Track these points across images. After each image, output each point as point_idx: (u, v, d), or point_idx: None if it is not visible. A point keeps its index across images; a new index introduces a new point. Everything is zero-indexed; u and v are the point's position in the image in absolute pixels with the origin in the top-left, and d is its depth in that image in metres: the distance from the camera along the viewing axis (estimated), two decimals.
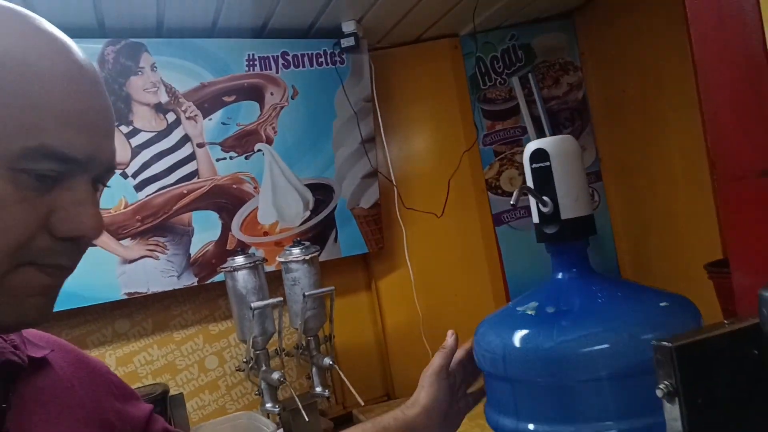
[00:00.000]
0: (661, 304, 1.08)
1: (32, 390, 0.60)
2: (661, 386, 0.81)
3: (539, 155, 1.13)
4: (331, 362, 2.36)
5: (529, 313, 1.13)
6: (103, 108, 0.55)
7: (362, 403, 2.35)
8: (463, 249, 3.15)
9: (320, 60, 2.77)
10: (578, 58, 3.21)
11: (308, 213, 2.86)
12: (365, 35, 2.79)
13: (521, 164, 3.22)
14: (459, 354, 1.28)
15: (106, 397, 0.82)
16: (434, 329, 3.11)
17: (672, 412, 0.83)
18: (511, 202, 1.11)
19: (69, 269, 0.55)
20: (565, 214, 1.13)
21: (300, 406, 2.12)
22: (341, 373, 2.35)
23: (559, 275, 1.18)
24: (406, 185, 3.10)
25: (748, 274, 0.89)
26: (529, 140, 3.16)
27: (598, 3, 3.04)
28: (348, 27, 2.68)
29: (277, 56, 2.72)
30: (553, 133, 3.16)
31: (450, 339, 1.25)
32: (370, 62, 2.87)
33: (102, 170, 0.55)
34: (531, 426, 1.09)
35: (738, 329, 0.84)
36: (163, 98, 2.62)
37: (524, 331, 1.11)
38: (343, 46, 2.73)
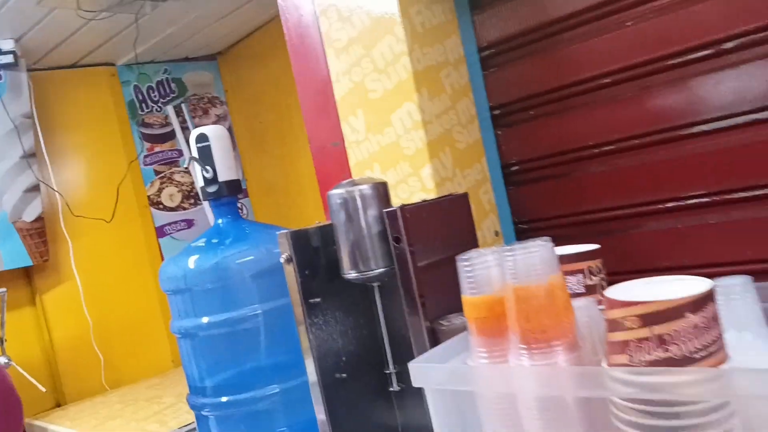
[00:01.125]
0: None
1: None
2: (283, 256, 1.40)
3: (201, 137, 1.66)
4: (7, 360, 2.45)
5: (199, 245, 1.64)
6: None
7: (43, 389, 2.48)
8: (131, 259, 3.44)
9: None
10: (223, 93, 3.85)
11: None
12: (24, 55, 2.94)
13: (180, 182, 3.69)
14: None
15: None
16: (106, 335, 3.32)
17: (289, 272, 1.42)
18: (184, 166, 1.61)
19: None
20: (222, 177, 1.67)
21: None
22: (19, 368, 2.45)
23: (220, 221, 1.71)
24: (73, 197, 3.27)
25: None
26: (185, 162, 3.66)
27: (237, 50, 3.74)
28: (6, 45, 2.81)
29: None
30: None
31: None
32: (29, 80, 3.02)
33: None
34: (205, 319, 1.59)
35: (322, 226, 1.47)
36: None
37: (197, 255, 1.61)
38: (0, 62, 2.84)
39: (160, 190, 3.62)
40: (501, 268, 0.98)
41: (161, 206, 3.61)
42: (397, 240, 1.23)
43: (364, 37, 1.47)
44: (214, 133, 1.68)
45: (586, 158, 1.50)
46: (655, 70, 1.35)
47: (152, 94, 3.60)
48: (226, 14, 3.13)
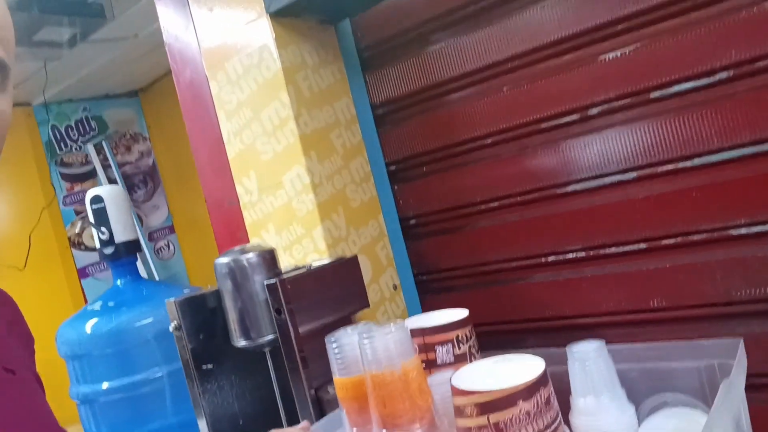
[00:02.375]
0: (185, 291, 1.69)
1: None
2: (172, 324, 1.40)
3: (96, 199, 1.64)
4: None
5: (95, 308, 1.62)
6: None
7: None
8: (52, 302, 3.34)
9: None
10: (146, 130, 3.80)
11: None
12: None
13: None
14: None
15: (22, 348, 0.76)
16: None
17: (179, 341, 1.42)
18: (76, 232, 1.58)
19: None
20: (119, 238, 1.66)
21: None
22: None
23: (118, 281, 1.69)
24: None
25: None
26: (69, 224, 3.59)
27: (159, 86, 3.70)
28: None
29: None
30: (128, 194, 3.65)
31: None
32: None
33: None
34: (105, 384, 1.57)
35: (211, 292, 1.44)
36: None
37: (93, 320, 1.59)
38: None
39: (81, 231, 3.53)
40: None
41: (83, 247, 3.52)
42: (279, 311, 1.24)
43: (253, 101, 1.48)
44: (110, 193, 1.66)
45: (475, 213, 1.55)
46: (530, 132, 1.41)
47: (71, 133, 3.52)
48: (144, 54, 3.10)
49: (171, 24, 1.60)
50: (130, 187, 3.70)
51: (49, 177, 3.42)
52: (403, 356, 0.93)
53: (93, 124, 3.60)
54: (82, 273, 3.51)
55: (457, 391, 0.85)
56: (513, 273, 1.53)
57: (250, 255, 1.33)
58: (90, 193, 1.65)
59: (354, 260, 1.40)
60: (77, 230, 3.53)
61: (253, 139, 1.51)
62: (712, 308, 1.29)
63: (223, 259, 1.33)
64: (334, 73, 1.55)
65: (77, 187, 3.55)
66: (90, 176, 3.59)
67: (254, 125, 1.49)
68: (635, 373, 1.12)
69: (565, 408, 1.03)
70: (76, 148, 3.55)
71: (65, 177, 3.51)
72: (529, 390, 0.81)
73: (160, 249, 3.76)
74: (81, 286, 3.50)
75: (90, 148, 3.53)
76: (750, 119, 1.19)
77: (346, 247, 1.52)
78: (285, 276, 1.26)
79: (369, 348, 0.93)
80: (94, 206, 1.64)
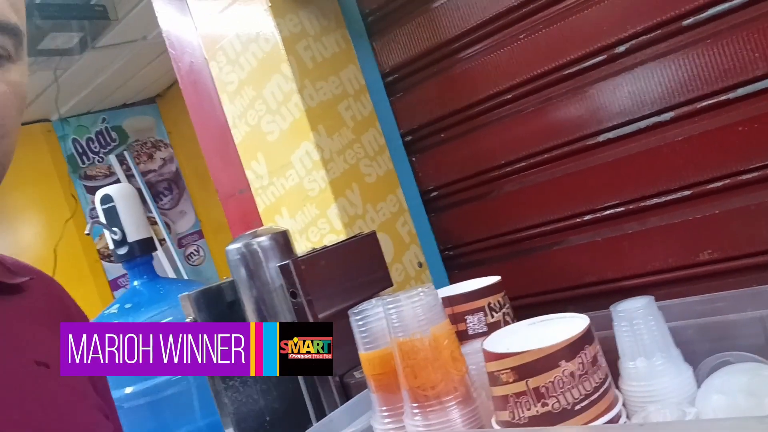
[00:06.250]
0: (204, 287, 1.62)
1: None
2: (187, 319, 1.33)
3: (106, 199, 1.59)
4: None
5: (112, 312, 1.56)
6: None
7: None
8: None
9: None
10: (167, 136, 3.77)
11: None
12: None
13: None
14: None
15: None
16: None
17: None
18: (86, 233, 1.53)
19: None
20: (131, 237, 1.59)
21: None
22: None
23: (135, 282, 1.63)
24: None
25: None
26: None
27: (176, 90, 3.66)
28: None
29: None
30: (154, 202, 3.63)
31: None
32: None
33: None
34: (128, 389, 1.51)
35: (227, 283, 1.37)
36: None
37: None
38: None
39: None
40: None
41: (113, 258, 3.51)
42: (294, 295, 1.15)
43: (254, 78, 1.40)
44: (120, 192, 1.60)
45: (500, 177, 1.44)
46: (552, 80, 1.29)
47: (92, 146, 3.51)
48: (155, 57, 3.06)
49: (165, 7, 1.53)
50: (155, 195, 3.67)
51: (72, 190, 3.41)
52: (433, 321, 0.83)
53: (113, 134, 3.59)
54: (114, 285, 3.50)
55: (489, 356, 0.75)
56: (547, 238, 1.41)
57: (262, 239, 1.25)
58: (99, 193, 1.59)
59: (372, 236, 1.31)
60: (106, 243, 3.52)
61: (258, 119, 1.43)
62: None
63: (234, 245, 1.26)
64: (338, 41, 1.46)
65: None
66: None
67: (258, 104, 1.41)
68: (690, 330, 0.99)
69: (613, 374, 0.91)
70: (98, 160, 3.54)
71: (90, 190, 3.50)
72: (572, 348, 0.71)
73: (190, 255, 3.72)
74: (114, 298, 3.49)
75: (113, 159, 3.51)
76: None
77: (364, 225, 1.43)
78: (299, 257, 1.17)
79: (395, 313, 0.84)
80: (104, 206, 1.58)
